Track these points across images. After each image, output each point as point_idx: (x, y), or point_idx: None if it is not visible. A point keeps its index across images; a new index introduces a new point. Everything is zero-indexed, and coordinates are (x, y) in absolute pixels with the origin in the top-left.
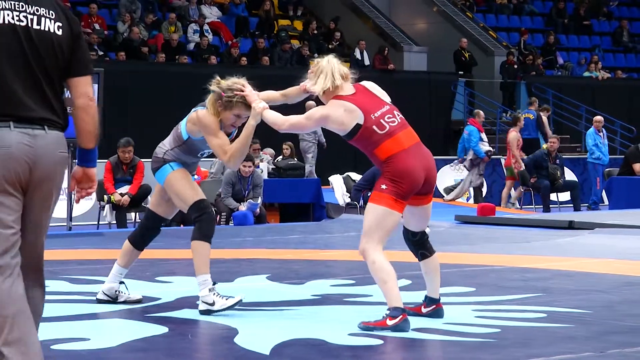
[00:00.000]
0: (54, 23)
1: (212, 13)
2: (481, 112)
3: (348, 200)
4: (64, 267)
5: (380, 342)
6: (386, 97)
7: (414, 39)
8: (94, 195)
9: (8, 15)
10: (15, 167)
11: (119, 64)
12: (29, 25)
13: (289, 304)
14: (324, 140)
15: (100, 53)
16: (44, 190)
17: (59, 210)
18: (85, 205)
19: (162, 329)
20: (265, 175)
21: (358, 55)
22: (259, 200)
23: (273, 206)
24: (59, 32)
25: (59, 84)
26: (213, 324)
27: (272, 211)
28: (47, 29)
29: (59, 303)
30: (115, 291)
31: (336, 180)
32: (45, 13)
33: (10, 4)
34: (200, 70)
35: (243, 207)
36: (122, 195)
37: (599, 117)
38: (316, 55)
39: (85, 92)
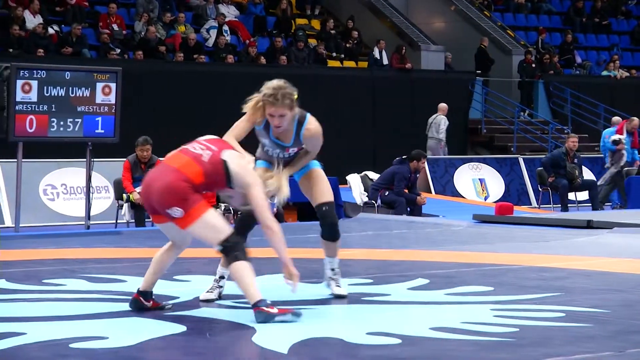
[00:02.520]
0: None
1: (229, 12)
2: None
3: (366, 199)
4: (82, 266)
5: (398, 341)
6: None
7: (431, 38)
8: (112, 194)
9: None
10: None
11: (136, 64)
12: None
13: (307, 302)
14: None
15: (119, 52)
16: None
17: (78, 209)
18: (104, 204)
19: (181, 328)
20: None
21: (377, 55)
22: (276, 200)
23: (290, 205)
24: None
25: None
26: (231, 323)
27: (290, 210)
28: None
29: (77, 302)
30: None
31: (354, 179)
32: None
33: None
34: (218, 69)
35: None
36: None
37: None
38: (334, 54)
39: None
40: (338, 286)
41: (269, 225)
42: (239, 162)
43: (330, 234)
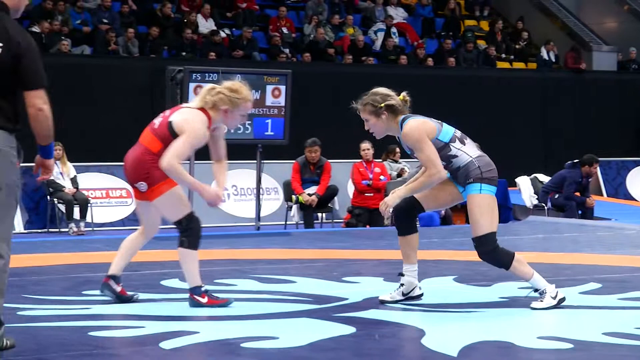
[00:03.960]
0: None
1: (397, 14)
2: None
3: (536, 202)
4: (253, 267)
5: (569, 346)
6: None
7: (603, 38)
8: (281, 195)
9: None
10: None
11: (305, 66)
12: None
13: (476, 306)
14: None
15: (289, 55)
16: None
17: (248, 210)
18: (273, 205)
19: (350, 329)
20: None
21: (545, 55)
22: None
23: (459, 208)
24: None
25: (9, 94)
26: (400, 325)
27: (459, 212)
28: None
29: (248, 302)
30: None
31: (523, 182)
32: None
33: None
34: (386, 71)
35: None
36: (309, 195)
37: None
38: (503, 55)
39: (33, 103)
40: (540, 301)
41: (163, 166)
42: (182, 116)
43: (491, 264)
